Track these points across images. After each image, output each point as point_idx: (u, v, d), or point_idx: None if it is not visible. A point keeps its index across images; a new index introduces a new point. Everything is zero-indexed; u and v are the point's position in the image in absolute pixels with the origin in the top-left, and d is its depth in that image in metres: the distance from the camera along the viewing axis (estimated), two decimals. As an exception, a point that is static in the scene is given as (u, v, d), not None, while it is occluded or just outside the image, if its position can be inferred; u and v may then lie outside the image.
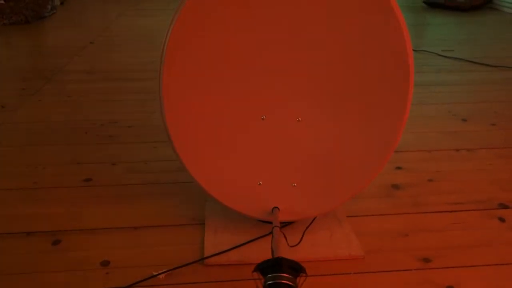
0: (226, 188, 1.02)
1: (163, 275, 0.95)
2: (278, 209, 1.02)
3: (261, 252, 1.01)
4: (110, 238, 1.08)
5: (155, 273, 0.95)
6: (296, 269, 0.74)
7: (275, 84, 0.96)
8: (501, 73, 2.26)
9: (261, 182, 1.02)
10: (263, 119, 0.98)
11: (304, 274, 0.75)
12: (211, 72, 0.94)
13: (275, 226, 0.95)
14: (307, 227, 1.06)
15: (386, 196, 1.24)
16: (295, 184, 1.01)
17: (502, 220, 1.14)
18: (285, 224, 1.08)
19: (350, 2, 0.90)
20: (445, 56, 2.52)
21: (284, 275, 0.71)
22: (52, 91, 2.06)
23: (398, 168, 1.38)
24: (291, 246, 1.01)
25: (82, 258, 1.01)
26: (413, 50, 0.92)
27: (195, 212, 1.17)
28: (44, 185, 1.31)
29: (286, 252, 1.00)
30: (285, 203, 1.03)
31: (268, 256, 1.00)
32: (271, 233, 1.05)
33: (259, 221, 1.08)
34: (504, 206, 1.19)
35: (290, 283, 0.71)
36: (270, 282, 0.71)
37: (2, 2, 3.61)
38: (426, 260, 1.00)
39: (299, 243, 1.02)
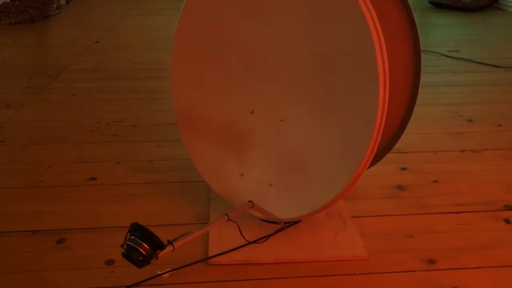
0: (214, 172, 1.08)
1: (167, 274, 0.95)
2: (252, 203, 1.04)
3: (265, 251, 1.00)
4: (115, 236, 1.08)
5: (159, 272, 0.95)
6: (157, 244, 0.84)
7: (263, 81, 1.00)
8: (508, 74, 2.25)
9: (243, 174, 1.05)
10: (251, 112, 1.02)
11: (159, 251, 0.85)
12: (208, 62, 1.04)
13: (226, 214, 0.98)
14: (274, 232, 1.05)
15: (391, 197, 1.24)
16: (271, 184, 1.03)
17: (507, 221, 1.13)
18: (289, 224, 1.07)
19: (323, 8, 0.91)
20: (451, 57, 2.51)
21: (144, 244, 0.82)
22: (57, 90, 2.07)
23: (403, 168, 1.38)
24: (249, 242, 1.01)
25: (87, 257, 1.01)
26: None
27: (200, 211, 1.16)
28: (49, 184, 1.31)
29: (248, 250, 1.00)
30: (260, 200, 1.04)
31: (272, 257, 1.00)
32: (274, 233, 1.05)
33: (263, 221, 1.08)
34: (510, 208, 1.18)
35: (143, 252, 0.82)
36: (129, 243, 0.83)
37: (8, 0, 3.62)
38: (431, 261, 1.00)
39: (263, 241, 1.02)
